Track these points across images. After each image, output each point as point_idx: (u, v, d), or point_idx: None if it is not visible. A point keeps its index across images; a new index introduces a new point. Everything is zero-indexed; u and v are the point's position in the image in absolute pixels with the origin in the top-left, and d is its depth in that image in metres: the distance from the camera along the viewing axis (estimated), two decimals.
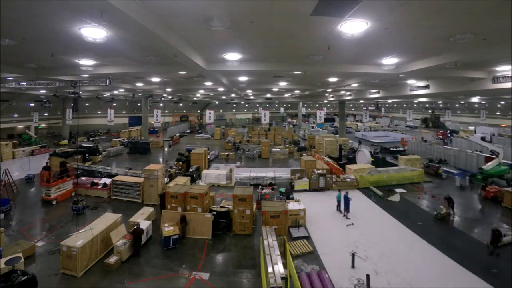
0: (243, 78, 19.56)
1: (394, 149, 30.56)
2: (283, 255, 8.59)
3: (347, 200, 13.60)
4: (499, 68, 13.23)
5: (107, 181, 16.80)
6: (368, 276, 8.35)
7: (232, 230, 12.04)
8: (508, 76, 13.12)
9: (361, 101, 47.00)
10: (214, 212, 12.26)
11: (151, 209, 13.23)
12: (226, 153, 28.09)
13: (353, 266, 9.44)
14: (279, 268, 7.27)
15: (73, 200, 14.38)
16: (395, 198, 16.20)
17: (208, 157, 24.59)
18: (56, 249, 10.25)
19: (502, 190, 15.58)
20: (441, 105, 54.33)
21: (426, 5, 6.00)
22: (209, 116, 24.50)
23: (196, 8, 6.38)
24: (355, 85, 21.43)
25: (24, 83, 17.69)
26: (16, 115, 36.75)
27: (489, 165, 18.68)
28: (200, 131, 52.29)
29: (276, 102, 62.61)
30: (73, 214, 13.73)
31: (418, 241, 11.32)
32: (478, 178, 18.65)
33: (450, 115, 37.43)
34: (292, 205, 13.12)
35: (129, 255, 10.09)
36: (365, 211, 14.43)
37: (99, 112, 47.38)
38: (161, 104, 48.56)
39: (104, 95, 34.33)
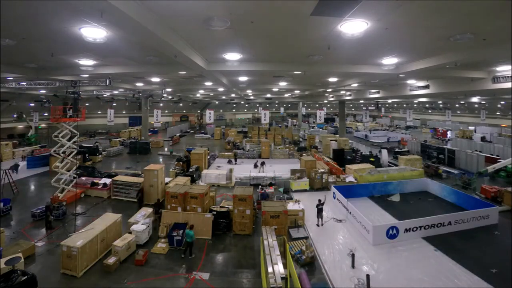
0: (243, 78, 19.56)
1: (399, 150, 30.32)
2: (283, 255, 8.59)
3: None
4: (499, 68, 13.23)
5: (107, 181, 16.81)
6: (368, 276, 8.35)
7: (232, 230, 12.04)
8: (508, 76, 13.12)
9: (361, 101, 47.02)
10: (214, 212, 12.26)
11: (150, 209, 13.23)
12: (226, 153, 28.11)
13: (353, 266, 9.44)
14: (279, 268, 7.27)
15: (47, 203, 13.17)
16: (396, 198, 16.20)
17: (208, 157, 24.59)
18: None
19: (502, 190, 15.58)
20: (441, 105, 54.40)
21: (426, 5, 6.00)
22: (209, 116, 24.54)
23: (196, 8, 6.38)
24: (355, 85, 21.44)
25: (24, 83, 17.70)
26: (16, 115, 36.75)
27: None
28: (201, 131, 52.24)
29: (276, 102, 62.65)
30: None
31: (418, 241, 11.31)
32: (501, 174, 20.02)
33: (450, 115, 37.44)
34: (291, 206, 13.12)
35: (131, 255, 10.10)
36: (365, 211, 14.41)
37: (99, 112, 47.39)
38: (161, 104, 48.68)
39: (104, 95, 34.33)
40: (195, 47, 10.37)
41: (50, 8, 6.45)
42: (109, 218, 11.31)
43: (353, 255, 9.63)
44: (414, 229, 11.35)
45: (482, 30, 7.50)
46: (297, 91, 32.75)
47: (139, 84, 23.62)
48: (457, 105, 50.58)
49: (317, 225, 12.68)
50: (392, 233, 11.12)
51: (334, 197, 15.33)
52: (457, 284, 8.66)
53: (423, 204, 15.62)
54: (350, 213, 13.06)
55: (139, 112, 42.11)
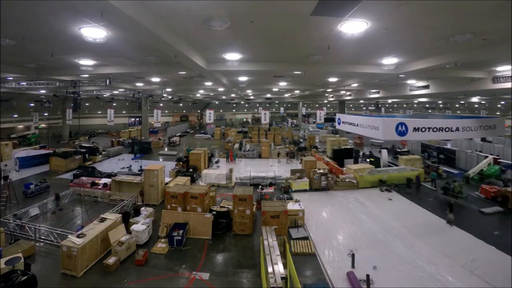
0: (243, 78, 19.57)
1: (399, 150, 30.19)
2: (283, 255, 8.59)
3: None
4: (499, 68, 13.23)
5: (107, 181, 16.80)
6: (368, 276, 8.37)
7: (232, 230, 12.04)
8: (508, 76, 13.13)
9: (361, 101, 47.04)
10: (214, 212, 12.26)
11: (150, 209, 13.24)
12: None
13: (353, 266, 9.44)
14: (279, 268, 7.27)
15: None
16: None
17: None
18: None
19: (502, 190, 15.57)
20: (441, 105, 54.39)
21: (426, 5, 6.01)
22: (209, 116, 24.52)
23: (196, 8, 6.38)
24: (355, 85, 21.46)
25: (24, 83, 17.72)
26: (16, 115, 36.77)
27: (481, 166, 19.48)
28: (201, 131, 52.25)
29: (276, 102, 62.67)
30: None
31: (418, 240, 11.31)
32: (475, 178, 19.27)
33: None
34: (291, 206, 13.13)
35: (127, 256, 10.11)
36: (363, 210, 14.44)
37: (99, 112, 47.42)
38: (161, 104, 48.68)
39: (104, 95, 34.35)
40: (195, 47, 10.37)
41: (50, 8, 6.45)
42: (109, 218, 11.29)
43: (353, 255, 9.63)
44: (423, 129, 10.75)
45: (482, 30, 7.51)
46: (297, 91, 32.76)
47: (139, 84, 23.62)
48: (457, 105, 50.58)
49: None
50: (401, 130, 10.53)
51: (339, 123, 15.12)
52: (458, 284, 8.66)
53: (422, 203, 15.61)
54: (357, 125, 12.85)
55: (139, 112, 42.11)
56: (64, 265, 9.14)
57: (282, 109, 62.02)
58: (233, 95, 37.50)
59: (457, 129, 11.32)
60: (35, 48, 10.42)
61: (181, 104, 60.39)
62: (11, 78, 16.98)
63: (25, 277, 7.73)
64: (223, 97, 43.31)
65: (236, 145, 32.01)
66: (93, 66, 13.95)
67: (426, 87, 18.48)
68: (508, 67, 12.58)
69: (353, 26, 7.28)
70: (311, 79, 20.49)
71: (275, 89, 29.15)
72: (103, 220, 10.98)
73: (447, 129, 11.15)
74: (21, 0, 5.92)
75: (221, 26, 7.37)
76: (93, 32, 7.92)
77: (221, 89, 27.17)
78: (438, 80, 17.87)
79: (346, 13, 6.47)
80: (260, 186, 16.71)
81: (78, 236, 9.58)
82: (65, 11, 6.58)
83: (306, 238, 11.50)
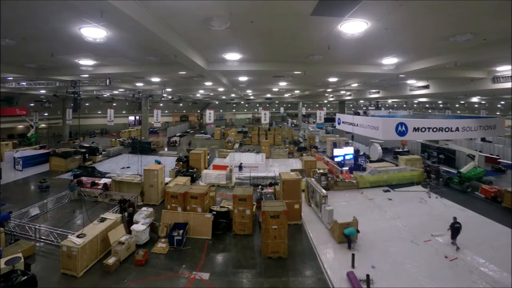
0: (243, 78, 19.59)
1: (399, 150, 30.11)
2: None
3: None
4: (499, 68, 13.24)
5: (108, 181, 16.80)
6: (368, 276, 8.36)
7: (232, 230, 12.05)
8: (508, 76, 13.14)
9: (361, 101, 47.03)
10: (214, 212, 12.26)
11: (151, 209, 13.23)
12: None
13: (353, 266, 9.44)
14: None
15: None
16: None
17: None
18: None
19: (502, 190, 15.56)
20: (441, 105, 54.41)
21: (426, 5, 6.01)
22: (209, 116, 24.54)
23: (196, 8, 6.39)
24: (355, 85, 21.47)
25: (24, 83, 17.74)
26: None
27: (466, 168, 18.26)
28: (201, 131, 52.28)
29: (276, 102, 62.67)
30: None
31: (418, 240, 11.31)
32: (454, 181, 18.34)
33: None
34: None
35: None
36: (363, 210, 14.44)
37: (99, 112, 47.40)
38: (161, 104, 48.71)
39: (104, 95, 34.36)
40: (195, 47, 10.38)
41: (50, 8, 6.46)
42: (109, 218, 11.29)
43: (353, 255, 9.63)
44: (423, 129, 10.84)
45: (482, 30, 7.52)
46: (297, 91, 32.77)
47: (139, 84, 23.62)
48: (457, 105, 50.60)
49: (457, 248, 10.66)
50: (401, 130, 10.58)
51: (339, 123, 15.08)
52: (460, 284, 8.66)
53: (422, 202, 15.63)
54: (357, 125, 12.78)
55: (139, 112, 42.12)
56: (64, 265, 9.13)
57: (282, 109, 62.05)
58: (233, 95, 37.51)
59: (457, 129, 11.35)
60: (35, 48, 10.43)
61: (181, 104, 60.37)
62: (11, 78, 16.98)
63: (25, 277, 7.71)
64: (223, 97, 43.32)
65: (236, 145, 32.09)
66: (93, 66, 13.96)
67: (426, 87, 18.48)
68: (508, 67, 12.58)
69: (353, 26, 7.28)
70: (311, 79, 20.49)
71: (275, 89, 29.16)
72: (103, 220, 10.98)
73: (447, 129, 11.17)
74: (21, 0, 5.92)
75: (221, 26, 7.38)
76: (93, 32, 7.92)
77: (221, 89, 27.18)
78: (438, 80, 17.88)
79: (346, 13, 6.47)
80: (260, 186, 16.72)
81: (78, 236, 9.58)
82: (65, 11, 6.59)
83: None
